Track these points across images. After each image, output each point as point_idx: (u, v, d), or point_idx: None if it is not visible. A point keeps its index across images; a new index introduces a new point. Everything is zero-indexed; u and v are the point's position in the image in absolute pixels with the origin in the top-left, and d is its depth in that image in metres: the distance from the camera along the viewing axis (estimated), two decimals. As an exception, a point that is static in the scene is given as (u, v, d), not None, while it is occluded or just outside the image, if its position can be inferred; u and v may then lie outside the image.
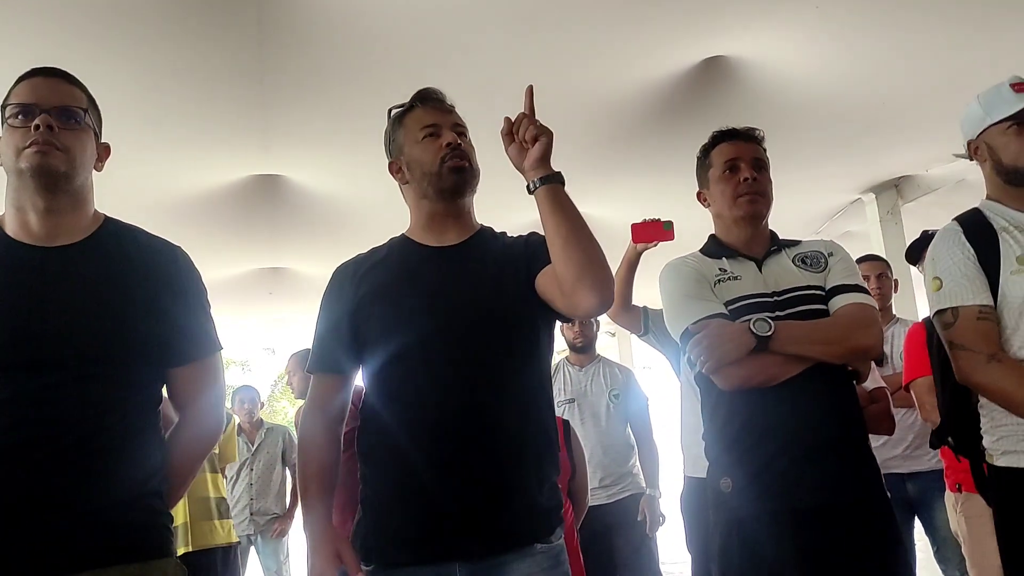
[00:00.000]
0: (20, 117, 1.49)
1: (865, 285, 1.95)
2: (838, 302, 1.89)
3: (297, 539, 5.79)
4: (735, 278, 1.94)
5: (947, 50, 4.26)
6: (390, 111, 1.80)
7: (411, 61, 3.89)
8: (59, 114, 1.50)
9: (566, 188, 1.58)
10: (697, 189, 2.13)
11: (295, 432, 5.67)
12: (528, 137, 1.55)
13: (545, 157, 1.56)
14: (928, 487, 3.04)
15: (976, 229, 1.84)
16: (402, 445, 1.56)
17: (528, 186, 1.58)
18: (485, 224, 1.80)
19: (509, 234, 1.80)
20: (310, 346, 1.75)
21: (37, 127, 1.47)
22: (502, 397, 1.58)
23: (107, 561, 1.39)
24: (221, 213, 5.82)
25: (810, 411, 1.82)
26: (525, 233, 1.78)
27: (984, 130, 1.90)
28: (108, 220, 1.60)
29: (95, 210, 1.59)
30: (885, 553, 1.82)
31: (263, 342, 13.99)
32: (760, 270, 1.96)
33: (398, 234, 1.79)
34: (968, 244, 1.81)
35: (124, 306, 1.48)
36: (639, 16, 3.74)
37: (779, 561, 1.77)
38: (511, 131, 1.58)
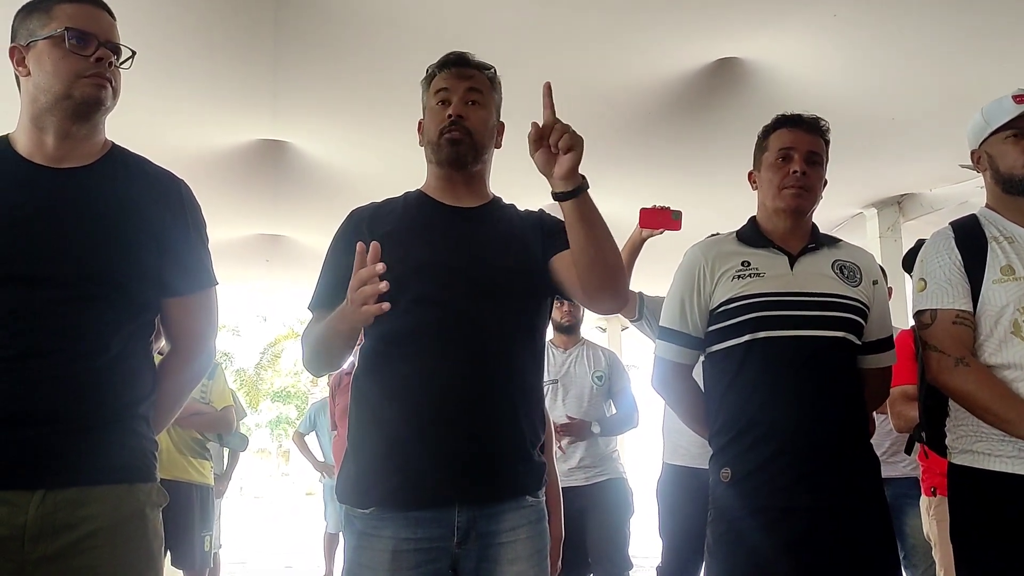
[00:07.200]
0: (77, 43, 1.48)
1: (893, 334, 2.06)
2: (876, 361, 2.03)
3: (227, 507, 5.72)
4: (756, 275, 1.94)
5: (961, 70, 4.27)
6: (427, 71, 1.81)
7: (425, 37, 3.87)
8: (112, 50, 1.52)
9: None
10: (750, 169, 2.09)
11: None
12: (563, 146, 1.47)
13: (577, 167, 1.50)
14: (901, 493, 3.06)
15: (968, 236, 1.88)
16: (408, 393, 1.57)
17: (555, 193, 1.53)
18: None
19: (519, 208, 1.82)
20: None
21: (99, 60, 1.49)
22: (509, 357, 1.63)
23: (94, 480, 1.41)
24: (224, 174, 5.79)
25: (817, 413, 1.85)
26: (535, 209, 1.80)
27: (985, 139, 1.94)
28: (115, 147, 1.61)
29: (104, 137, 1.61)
30: (875, 557, 1.86)
31: (256, 309, 14.00)
32: (792, 266, 1.96)
33: (413, 189, 1.80)
34: (957, 250, 1.86)
35: (128, 229, 1.50)
36: (655, 8, 3.74)
37: (770, 558, 1.80)
38: (539, 136, 1.50)
